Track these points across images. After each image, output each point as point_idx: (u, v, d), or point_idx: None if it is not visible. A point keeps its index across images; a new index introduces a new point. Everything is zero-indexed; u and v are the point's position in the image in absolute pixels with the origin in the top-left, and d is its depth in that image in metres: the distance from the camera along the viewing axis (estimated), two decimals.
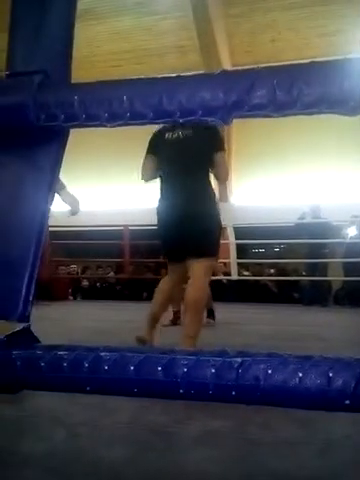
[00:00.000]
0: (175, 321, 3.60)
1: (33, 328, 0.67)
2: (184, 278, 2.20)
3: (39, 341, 0.66)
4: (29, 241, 0.68)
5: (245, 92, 0.60)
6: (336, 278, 6.80)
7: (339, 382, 0.53)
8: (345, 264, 6.53)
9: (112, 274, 7.98)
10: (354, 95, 0.58)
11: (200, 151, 2.08)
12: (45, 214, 0.70)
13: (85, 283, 7.97)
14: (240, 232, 6.94)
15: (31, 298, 0.67)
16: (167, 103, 0.63)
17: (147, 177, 2.21)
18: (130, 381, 0.60)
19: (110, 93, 0.66)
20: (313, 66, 0.60)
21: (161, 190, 2.17)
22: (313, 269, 6.45)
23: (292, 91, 0.59)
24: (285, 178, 8.43)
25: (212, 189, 2.14)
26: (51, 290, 6.66)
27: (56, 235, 6.75)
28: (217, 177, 2.17)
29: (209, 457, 1.10)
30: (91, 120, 0.66)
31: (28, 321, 0.66)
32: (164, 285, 2.28)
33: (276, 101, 0.59)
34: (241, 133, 8.71)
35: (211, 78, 0.63)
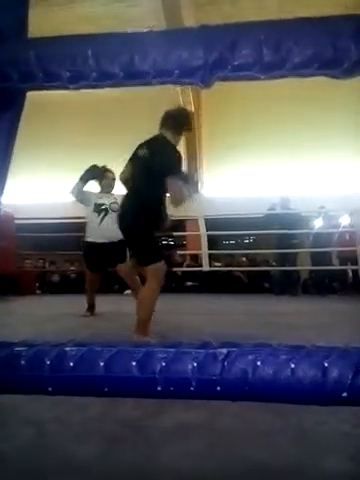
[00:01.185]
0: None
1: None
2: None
3: None
4: None
5: (228, 49, 0.53)
6: (304, 268, 6.94)
7: (335, 373, 0.47)
8: (312, 254, 6.67)
9: (75, 268, 7.77)
10: (348, 56, 0.52)
11: (152, 172, 2.26)
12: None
13: (55, 278, 7.72)
14: (211, 224, 6.93)
15: None
16: (139, 61, 0.55)
17: (123, 179, 2.49)
18: (100, 379, 0.52)
19: (73, 49, 0.57)
20: (304, 23, 0.53)
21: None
22: (283, 259, 6.54)
23: (281, 49, 0.52)
24: (255, 170, 8.48)
25: (149, 206, 2.30)
26: (18, 284, 6.41)
27: (22, 228, 6.49)
28: (170, 201, 2.32)
29: (183, 450, 1.06)
30: (51, 80, 0.57)
31: None
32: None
33: (263, 61, 0.52)
34: (211, 125, 8.67)
35: (190, 33, 0.56)
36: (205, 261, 6.62)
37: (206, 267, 6.61)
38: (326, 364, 0.48)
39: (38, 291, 7.38)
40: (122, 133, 7.39)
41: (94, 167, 3.64)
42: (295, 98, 8.19)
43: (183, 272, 7.37)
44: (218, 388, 0.50)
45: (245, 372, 0.49)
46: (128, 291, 3.15)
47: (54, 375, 0.52)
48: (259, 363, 0.49)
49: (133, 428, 1.21)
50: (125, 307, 3.49)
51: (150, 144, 2.31)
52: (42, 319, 3.39)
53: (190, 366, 0.50)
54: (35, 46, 0.59)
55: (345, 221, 6.65)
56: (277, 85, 8.37)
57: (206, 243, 6.62)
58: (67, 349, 0.53)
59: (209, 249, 6.71)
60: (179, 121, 2.38)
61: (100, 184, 3.77)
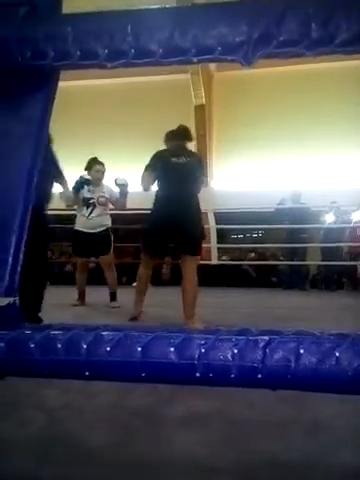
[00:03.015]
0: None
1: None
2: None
3: (29, 319, 0.56)
4: (15, 206, 0.57)
5: (273, 24, 0.50)
6: (314, 263, 6.89)
7: None
8: (323, 249, 6.62)
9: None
10: None
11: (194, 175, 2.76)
12: (33, 175, 0.59)
13: (68, 268, 7.69)
14: (220, 217, 6.90)
15: (19, 268, 0.56)
16: (179, 38, 0.53)
17: (147, 187, 2.74)
18: (137, 364, 0.51)
19: (111, 25, 0.55)
20: None
21: (160, 197, 2.73)
22: (292, 254, 6.50)
23: (329, 25, 0.50)
24: (265, 163, 8.41)
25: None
26: None
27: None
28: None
29: (196, 439, 1.06)
30: (87, 58, 0.55)
31: (16, 295, 0.56)
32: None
33: (310, 37, 0.50)
34: (221, 118, 8.60)
35: (232, 8, 0.54)
36: (214, 254, 6.60)
37: (215, 260, 6.59)
38: None
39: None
40: (130, 125, 7.35)
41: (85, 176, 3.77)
42: (307, 91, 8.08)
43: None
44: (259, 376, 0.48)
45: (288, 360, 0.48)
46: (135, 283, 3.19)
47: (91, 359, 0.51)
48: (302, 351, 0.48)
49: (145, 416, 1.21)
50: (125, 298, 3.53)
51: (186, 153, 2.78)
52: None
53: (230, 353, 0.49)
54: (71, 22, 0.57)
55: (357, 216, 6.58)
56: (289, 77, 8.27)
57: (215, 236, 6.59)
58: (104, 333, 0.52)
59: (217, 243, 6.69)
60: (189, 134, 2.89)
61: (89, 175, 3.80)
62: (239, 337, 0.50)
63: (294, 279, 6.43)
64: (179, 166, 2.68)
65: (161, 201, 2.69)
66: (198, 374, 0.49)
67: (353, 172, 8.02)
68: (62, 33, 0.56)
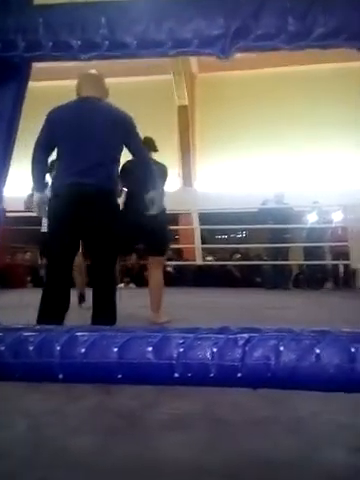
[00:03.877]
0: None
1: None
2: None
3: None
4: None
5: (251, 17, 0.50)
6: (296, 262, 6.97)
7: None
8: (305, 249, 6.70)
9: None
10: None
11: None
12: (2, 173, 0.57)
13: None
14: (203, 218, 6.92)
15: None
16: (155, 30, 0.52)
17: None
18: (113, 365, 0.49)
19: (84, 16, 0.54)
20: None
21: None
22: (275, 254, 6.56)
23: (306, 19, 0.49)
24: (249, 164, 8.46)
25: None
26: (8, 277, 6.33)
27: (15, 221, 6.39)
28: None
29: (181, 441, 1.05)
30: (60, 49, 0.54)
31: None
32: None
33: (287, 30, 0.50)
34: (204, 119, 8.63)
35: (209, 1, 0.53)
36: (198, 255, 6.61)
37: (199, 261, 6.60)
38: (353, 349, 0.46)
39: (30, 284, 7.30)
40: None
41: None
42: (289, 91, 8.18)
43: (176, 266, 7.36)
44: (239, 375, 0.47)
45: (267, 358, 0.47)
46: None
47: (65, 361, 0.49)
48: (282, 348, 0.47)
49: (129, 419, 1.19)
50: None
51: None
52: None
53: (209, 352, 0.48)
54: (44, 13, 0.55)
55: (338, 216, 6.69)
56: (271, 78, 8.35)
57: (199, 237, 6.60)
58: (78, 334, 0.50)
59: (201, 243, 6.70)
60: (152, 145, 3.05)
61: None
62: (218, 335, 0.49)
63: (277, 279, 6.49)
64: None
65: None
66: (177, 374, 0.48)
67: (335, 172, 8.15)
68: (33, 24, 0.54)
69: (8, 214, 6.37)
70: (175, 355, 0.48)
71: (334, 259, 6.70)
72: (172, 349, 0.48)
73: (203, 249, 6.84)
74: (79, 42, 0.53)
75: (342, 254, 6.40)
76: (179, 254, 7.64)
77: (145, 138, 3.06)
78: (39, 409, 1.25)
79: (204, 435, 1.09)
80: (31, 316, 1.87)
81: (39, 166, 2.04)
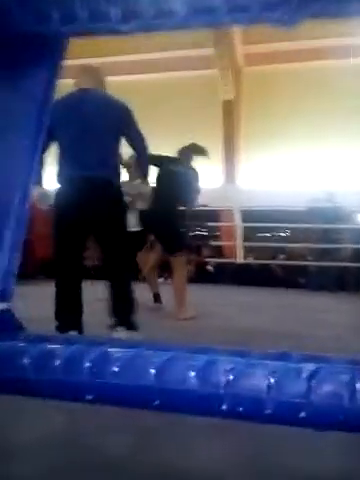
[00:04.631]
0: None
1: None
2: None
3: (23, 327, 0.48)
4: (11, 197, 0.49)
5: None
6: (345, 264, 6.62)
7: None
8: (354, 250, 6.36)
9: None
10: None
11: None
12: (32, 159, 0.51)
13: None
14: (246, 215, 6.75)
15: (14, 271, 0.48)
16: None
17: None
18: (150, 390, 0.42)
19: None
20: None
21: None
22: (322, 255, 6.27)
23: None
24: (295, 161, 8.15)
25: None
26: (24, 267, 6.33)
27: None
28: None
29: (216, 450, 1.01)
30: (98, 21, 0.46)
31: (9, 300, 0.48)
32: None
33: None
34: (250, 113, 8.41)
35: None
36: (239, 253, 6.46)
37: (240, 259, 6.45)
38: None
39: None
40: (158, 120, 7.27)
41: None
42: (341, 85, 7.76)
43: (216, 264, 7.25)
44: (302, 414, 0.38)
45: (339, 397, 0.37)
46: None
47: (94, 381, 0.42)
48: (358, 386, 0.37)
49: (163, 422, 1.13)
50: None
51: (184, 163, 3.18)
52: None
53: (266, 382, 0.39)
54: None
55: None
56: (321, 70, 7.97)
57: (241, 235, 6.45)
58: (111, 350, 0.43)
59: (244, 241, 6.54)
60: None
61: None
62: (276, 362, 0.40)
63: (323, 280, 6.20)
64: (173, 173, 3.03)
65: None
66: (224, 406, 0.40)
67: None
68: None
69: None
70: (223, 383, 0.40)
71: None
72: (219, 376, 0.40)
73: (244, 247, 6.68)
74: (119, 11, 0.46)
75: None
76: (219, 252, 7.53)
77: (191, 145, 3.25)
78: (72, 407, 1.23)
79: (242, 446, 1.02)
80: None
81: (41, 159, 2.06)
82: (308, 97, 7.96)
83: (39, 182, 2.09)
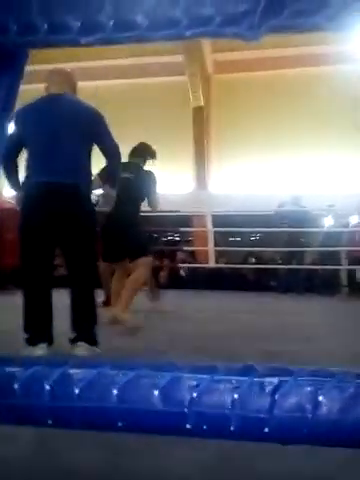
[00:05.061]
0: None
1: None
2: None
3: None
4: None
5: None
6: (312, 267, 6.80)
7: None
8: (321, 253, 6.54)
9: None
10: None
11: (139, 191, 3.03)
12: None
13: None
14: (217, 220, 6.82)
15: None
16: (168, 6, 0.43)
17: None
18: (112, 411, 0.40)
19: None
20: None
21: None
22: (290, 258, 6.41)
23: None
24: (264, 166, 8.32)
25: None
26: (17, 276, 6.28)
27: None
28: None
29: (192, 458, 0.98)
30: (57, 32, 0.45)
31: None
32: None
33: (329, 4, 0.41)
34: (220, 120, 8.53)
35: None
36: (211, 258, 6.51)
37: (212, 263, 6.50)
38: None
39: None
40: (128, 126, 7.24)
41: None
42: (306, 93, 8.02)
43: (188, 269, 7.27)
44: (266, 429, 0.38)
45: (302, 409, 0.38)
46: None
47: (55, 405, 0.41)
48: (321, 398, 0.38)
49: (138, 434, 1.12)
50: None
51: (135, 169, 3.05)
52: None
53: (230, 399, 0.39)
54: None
55: (354, 220, 6.50)
56: (287, 79, 8.21)
57: (213, 240, 6.51)
58: (72, 372, 0.41)
59: (215, 246, 6.60)
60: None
61: None
62: (241, 378, 0.40)
63: (292, 283, 6.34)
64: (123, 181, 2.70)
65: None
66: (189, 425, 0.39)
67: (351, 176, 7.95)
68: (26, 3, 0.46)
69: None
70: (187, 401, 0.39)
71: (350, 264, 6.51)
72: (183, 394, 0.39)
73: (216, 252, 6.74)
74: (79, 23, 0.45)
75: (359, 259, 6.22)
76: (193, 257, 7.57)
77: (141, 144, 3.13)
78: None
79: (214, 453, 1.02)
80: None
81: (12, 165, 2.01)
82: (276, 104, 8.16)
83: (17, 187, 2.05)
